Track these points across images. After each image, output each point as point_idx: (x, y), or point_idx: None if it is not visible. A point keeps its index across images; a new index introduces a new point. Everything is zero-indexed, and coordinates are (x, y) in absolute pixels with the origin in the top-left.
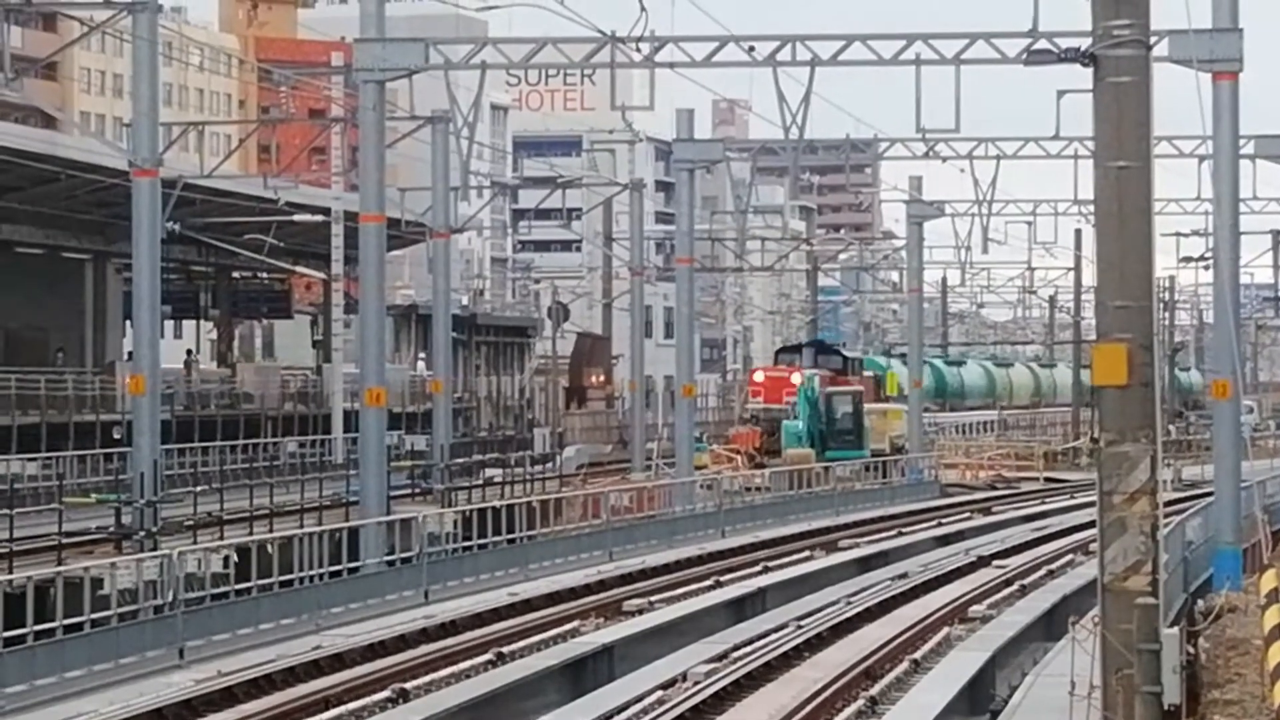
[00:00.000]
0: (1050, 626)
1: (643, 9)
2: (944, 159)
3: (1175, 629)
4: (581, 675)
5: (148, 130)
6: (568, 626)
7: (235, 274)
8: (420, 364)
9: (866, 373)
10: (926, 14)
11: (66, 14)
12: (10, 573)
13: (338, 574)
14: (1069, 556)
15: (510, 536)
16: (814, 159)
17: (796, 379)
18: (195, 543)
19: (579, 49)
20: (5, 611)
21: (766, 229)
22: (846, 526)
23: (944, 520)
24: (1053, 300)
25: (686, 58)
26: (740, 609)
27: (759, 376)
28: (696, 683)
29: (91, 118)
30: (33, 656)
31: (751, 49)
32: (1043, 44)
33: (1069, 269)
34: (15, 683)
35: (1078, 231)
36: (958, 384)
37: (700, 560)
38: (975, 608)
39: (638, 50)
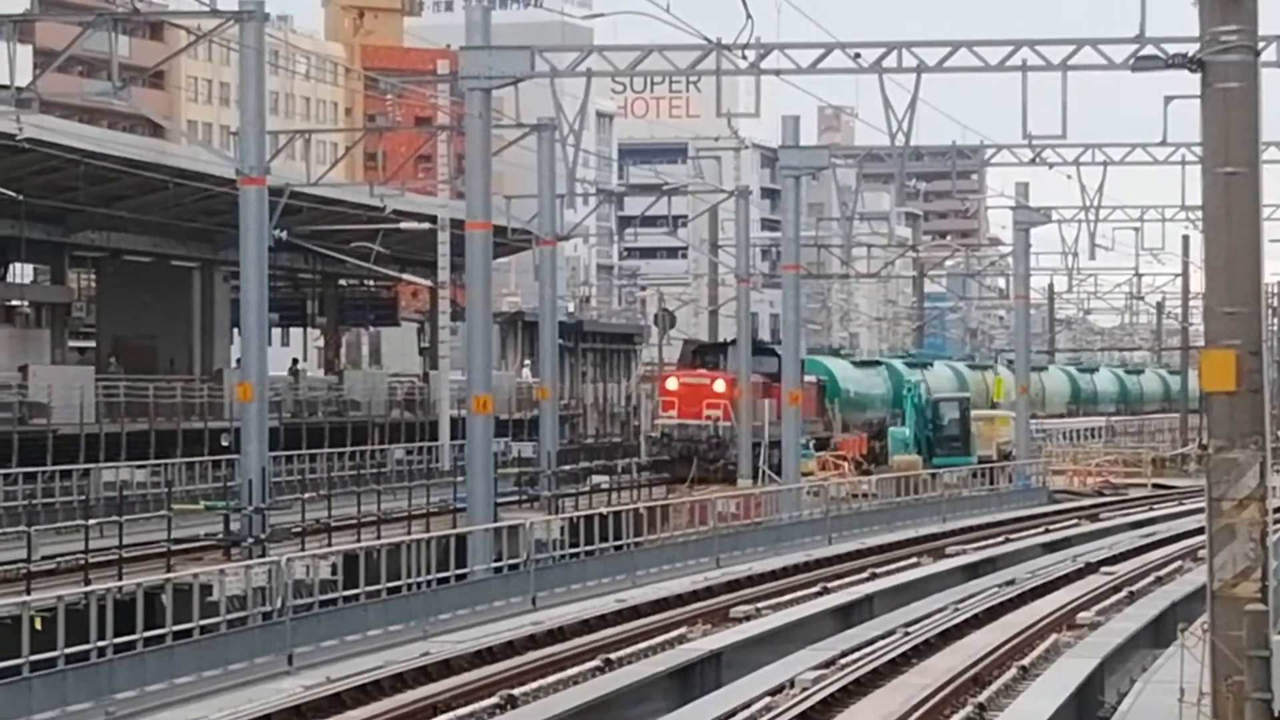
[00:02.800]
0: (1159, 633)
1: (748, 16)
2: (1051, 165)
3: None
4: (689, 682)
5: (255, 138)
6: (675, 633)
7: (342, 281)
8: (526, 371)
9: (809, 376)
10: (1033, 20)
11: (174, 23)
12: (120, 579)
13: (445, 580)
14: (1177, 563)
15: (617, 543)
16: (920, 165)
17: (720, 386)
18: (303, 549)
19: (684, 56)
20: (116, 618)
21: (872, 235)
22: (954, 533)
23: (1052, 527)
24: (1160, 306)
25: (792, 64)
26: (848, 615)
27: (671, 384)
28: (804, 689)
29: (199, 126)
30: (143, 662)
31: (857, 55)
32: (1150, 50)
33: (1177, 275)
34: (126, 688)
35: (1185, 237)
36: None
37: (807, 567)
38: (1083, 614)
39: (743, 57)
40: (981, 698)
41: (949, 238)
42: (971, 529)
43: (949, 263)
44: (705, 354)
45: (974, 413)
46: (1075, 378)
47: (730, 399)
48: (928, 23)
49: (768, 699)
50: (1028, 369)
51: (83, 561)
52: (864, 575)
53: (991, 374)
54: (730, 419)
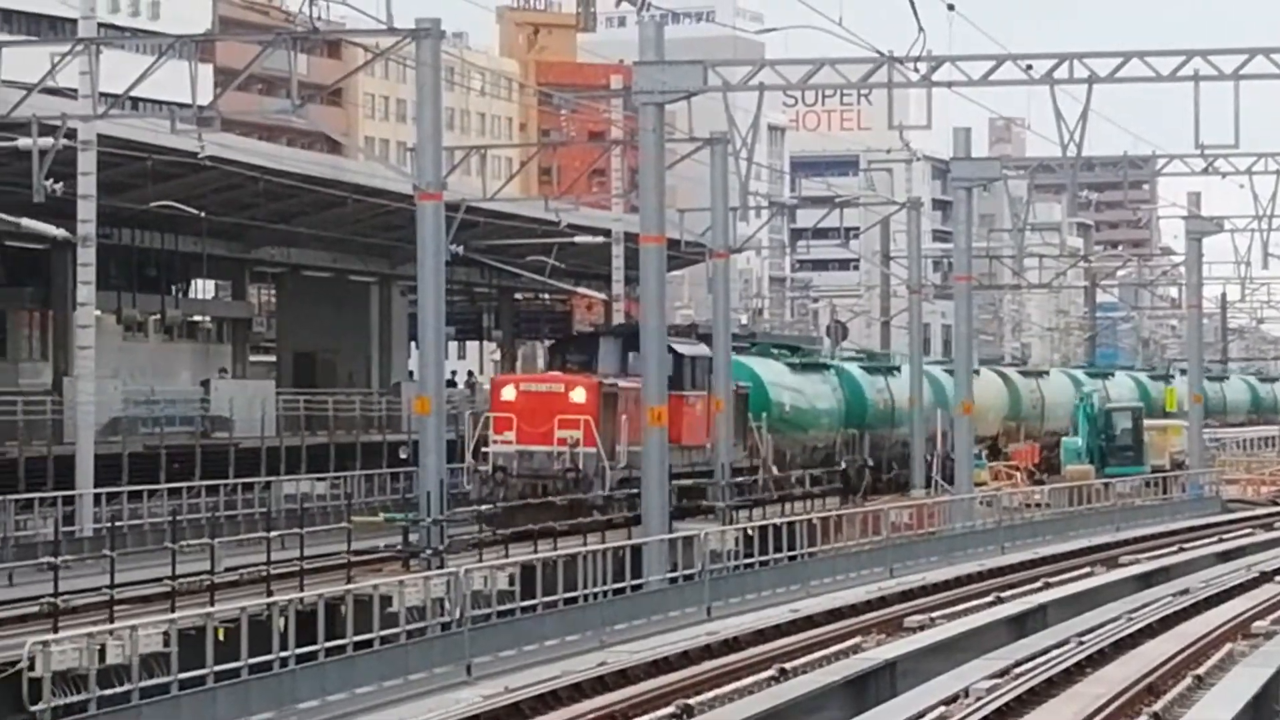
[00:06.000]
0: None
1: (920, 29)
2: (1223, 174)
3: None
4: (864, 691)
5: (431, 154)
6: (849, 643)
7: (517, 295)
8: None
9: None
10: (1205, 29)
11: (351, 41)
12: (301, 590)
13: (621, 591)
14: None
15: (791, 553)
16: (1092, 176)
17: (580, 396)
18: (481, 560)
19: (856, 69)
20: (298, 628)
21: (1044, 246)
22: (1127, 542)
23: (1225, 536)
24: None
25: (964, 76)
26: (1021, 625)
27: (508, 393)
28: (979, 698)
29: (376, 142)
30: (324, 672)
31: (1029, 67)
32: None
33: None
34: (308, 698)
35: None
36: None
37: (980, 576)
38: (1259, 623)
39: (915, 70)
40: (1156, 707)
41: (1121, 248)
42: (1144, 538)
43: (1121, 272)
44: (572, 350)
45: (1146, 422)
46: (1255, 387)
47: (594, 413)
48: (1099, 33)
49: (942, 708)
50: (1200, 378)
51: (265, 573)
52: (1037, 585)
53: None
54: (595, 443)
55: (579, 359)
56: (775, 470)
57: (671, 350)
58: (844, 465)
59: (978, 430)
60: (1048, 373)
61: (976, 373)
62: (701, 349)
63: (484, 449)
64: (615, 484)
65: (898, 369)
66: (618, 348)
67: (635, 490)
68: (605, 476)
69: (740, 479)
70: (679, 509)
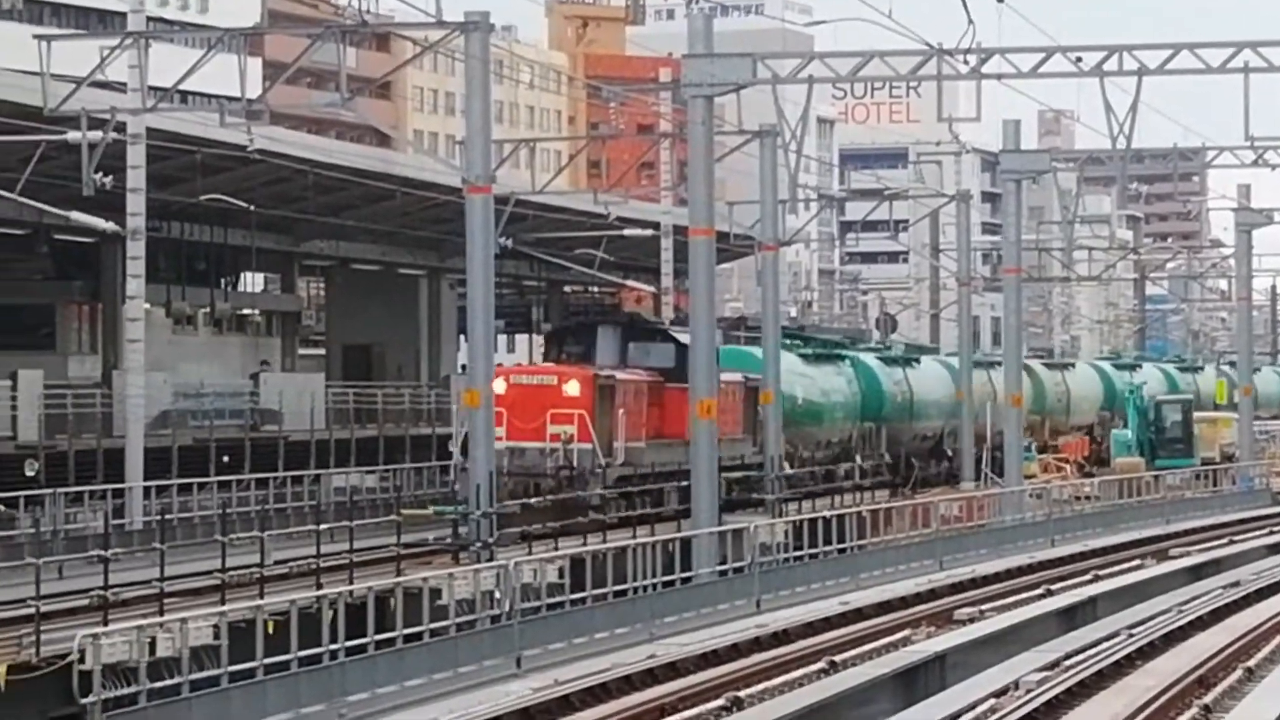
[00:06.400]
0: None
1: (970, 21)
2: (1273, 166)
3: None
4: (913, 684)
5: (480, 147)
6: (899, 635)
7: (566, 288)
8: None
9: (732, 374)
10: (1256, 21)
11: (400, 34)
12: (351, 583)
13: (670, 584)
14: None
15: (841, 546)
16: (1141, 168)
17: (575, 389)
18: (530, 553)
19: (905, 62)
20: (347, 621)
21: (1093, 238)
22: (1177, 535)
23: (1276, 528)
24: None
25: (1013, 69)
26: (1071, 617)
27: (498, 387)
28: (1029, 690)
29: (424, 136)
30: (374, 665)
31: (1078, 59)
32: None
33: None
34: (357, 690)
35: None
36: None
37: (1030, 569)
38: None
39: (965, 62)
40: (1207, 699)
41: (1170, 240)
42: (1195, 531)
43: (1170, 265)
44: (569, 340)
45: (1196, 414)
46: None
47: (589, 407)
48: (1149, 25)
49: (992, 701)
50: (1250, 370)
51: (314, 566)
52: (1087, 577)
53: (1200, 375)
54: (590, 439)
55: (576, 349)
56: (787, 467)
57: (673, 340)
58: (860, 461)
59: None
60: (1074, 365)
61: (999, 364)
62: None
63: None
64: (613, 482)
65: (916, 360)
66: (616, 337)
67: (635, 489)
68: (602, 475)
69: (750, 474)
70: (686, 510)
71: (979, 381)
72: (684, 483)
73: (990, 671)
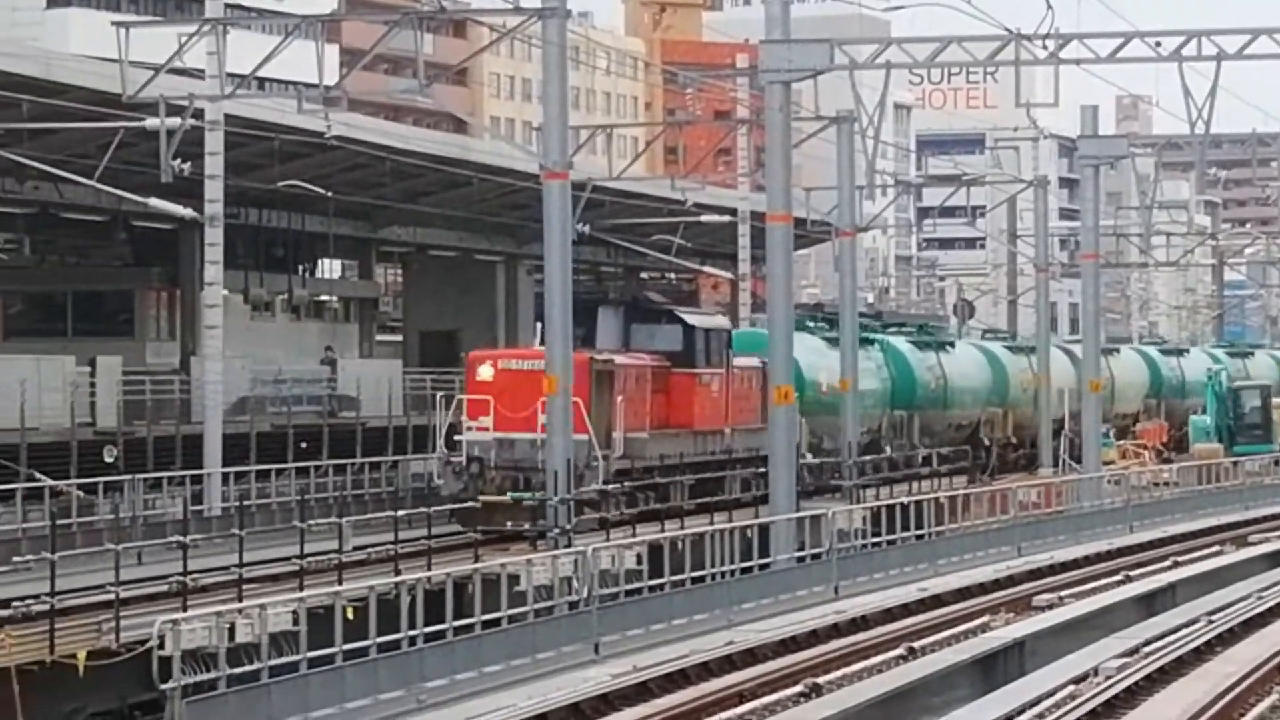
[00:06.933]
0: None
1: (1048, 6)
2: None
3: None
4: (992, 670)
5: (557, 134)
6: (978, 621)
7: (643, 274)
8: None
9: (748, 359)
10: None
11: (477, 21)
12: (429, 570)
13: (748, 570)
14: None
15: (919, 532)
16: (1220, 153)
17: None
18: (609, 540)
19: (983, 47)
20: (426, 607)
21: (1171, 224)
22: (1256, 521)
23: None
24: None
25: (1091, 54)
26: (1150, 603)
27: (485, 372)
28: (1108, 677)
29: (501, 122)
30: (452, 651)
31: (1157, 44)
32: None
33: None
34: (435, 677)
35: None
36: None
37: (1108, 555)
38: None
39: (1043, 47)
40: None
41: (1249, 225)
42: (1274, 517)
43: (1249, 250)
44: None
45: (1276, 399)
46: None
47: (585, 394)
48: (1228, 10)
49: (1071, 687)
50: None
51: (392, 552)
52: (1166, 563)
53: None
54: (585, 429)
55: (576, 332)
56: (810, 458)
57: (680, 321)
58: (890, 451)
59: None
60: (1119, 350)
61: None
62: (718, 320)
63: (457, 437)
64: (611, 477)
65: (951, 344)
66: (619, 319)
67: (638, 483)
68: (599, 469)
69: (763, 470)
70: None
71: (1020, 368)
72: (693, 476)
73: (1070, 658)
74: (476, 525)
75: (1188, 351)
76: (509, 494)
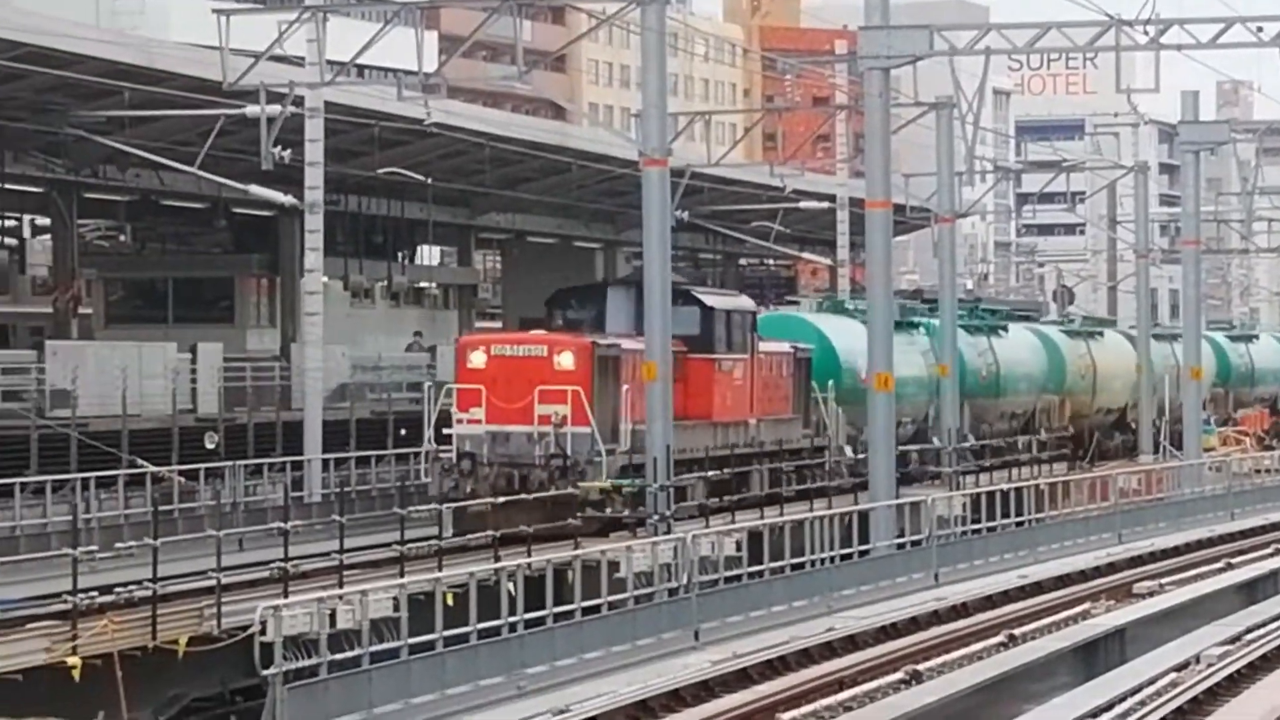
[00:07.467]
0: None
1: None
2: None
3: None
4: (1093, 657)
5: (656, 120)
6: (1078, 609)
7: (742, 261)
8: None
9: (779, 344)
10: None
11: (576, 7)
12: (529, 556)
13: (848, 557)
14: None
15: (1019, 519)
16: None
17: (568, 361)
18: (708, 527)
19: (1083, 33)
20: (526, 593)
21: (1273, 210)
22: None
23: None
24: None
25: (1192, 39)
26: (1252, 591)
27: (477, 359)
28: (1210, 665)
29: (600, 108)
30: (552, 637)
31: (1259, 29)
32: None
33: None
34: (536, 663)
35: None
36: None
37: (1210, 543)
38: None
39: (1144, 33)
40: None
41: None
42: None
43: None
44: (573, 305)
45: None
46: None
47: (586, 383)
48: None
49: (1173, 675)
50: None
51: (492, 538)
52: (1268, 551)
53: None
54: (587, 421)
55: (585, 316)
56: (849, 452)
57: (697, 302)
58: (935, 442)
59: (1107, 403)
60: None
61: (1100, 334)
62: (741, 301)
63: (446, 430)
64: (616, 473)
65: (1004, 328)
66: (630, 301)
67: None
68: (602, 464)
69: (801, 463)
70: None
71: (1077, 353)
72: (714, 473)
73: (1171, 645)
74: (464, 531)
75: (1257, 338)
76: (609, 480)
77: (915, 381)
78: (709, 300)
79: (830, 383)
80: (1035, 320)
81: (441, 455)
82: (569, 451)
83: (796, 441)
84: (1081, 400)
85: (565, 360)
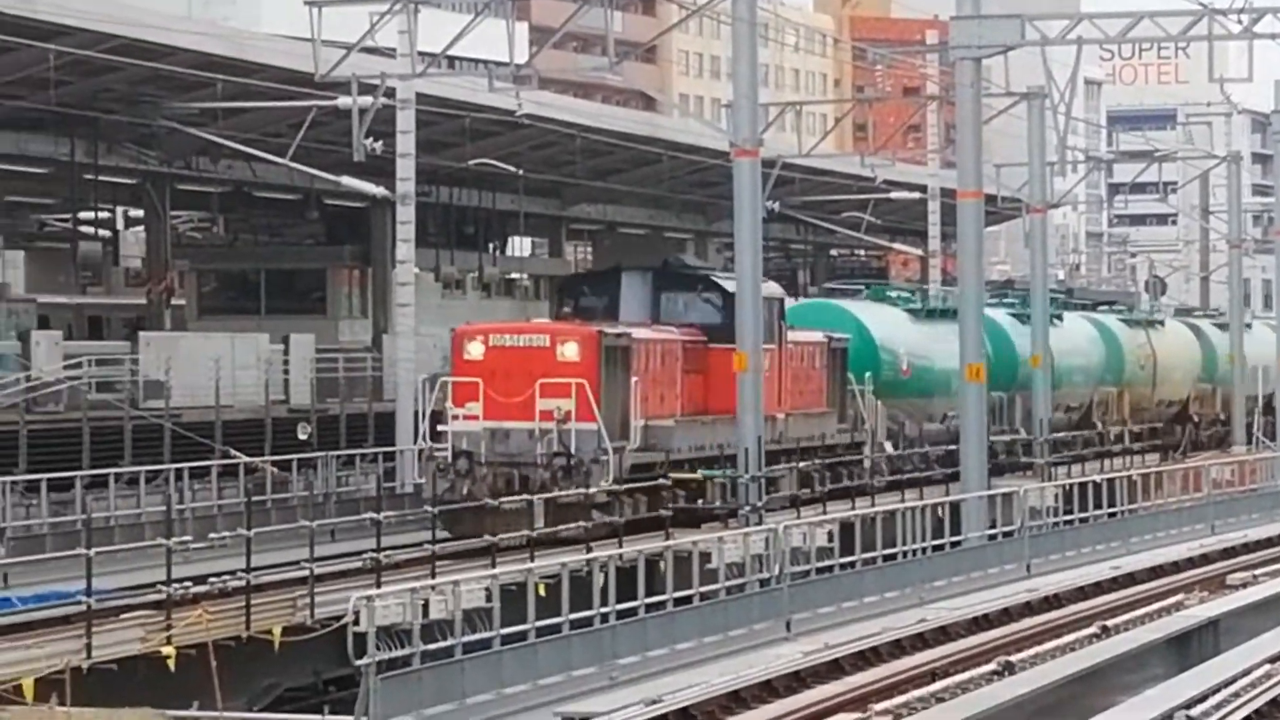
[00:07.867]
0: None
1: None
2: None
3: None
4: (1186, 649)
5: (747, 111)
6: (1171, 600)
7: (833, 251)
8: None
9: (812, 333)
10: None
11: None
12: (621, 547)
13: (940, 548)
14: None
15: (1111, 510)
16: None
17: (572, 352)
18: (799, 517)
19: (1176, 22)
20: (618, 585)
21: None
22: None
23: None
24: None
25: None
26: None
27: (474, 350)
28: None
29: (690, 99)
30: (644, 628)
31: None
32: None
33: None
34: (628, 654)
35: None
36: None
37: None
38: None
39: (1238, 21)
40: None
41: None
42: None
43: None
44: (585, 292)
45: None
46: None
47: (593, 376)
48: None
49: (1267, 666)
50: None
51: (584, 530)
52: None
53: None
54: (593, 417)
55: (597, 303)
56: (890, 448)
57: (718, 288)
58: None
59: (1168, 395)
60: (1250, 326)
61: (1161, 323)
62: (768, 288)
63: (441, 427)
64: (627, 472)
65: (1058, 318)
66: (647, 288)
67: (655, 479)
68: (609, 463)
69: (836, 459)
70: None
71: (1136, 343)
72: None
73: (1265, 637)
74: (460, 535)
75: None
76: (700, 471)
77: (959, 375)
78: (730, 286)
79: (868, 374)
80: (1114, 308)
81: (436, 454)
82: (573, 450)
83: (832, 437)
84: (1141, 392)
85: (569, 351)
